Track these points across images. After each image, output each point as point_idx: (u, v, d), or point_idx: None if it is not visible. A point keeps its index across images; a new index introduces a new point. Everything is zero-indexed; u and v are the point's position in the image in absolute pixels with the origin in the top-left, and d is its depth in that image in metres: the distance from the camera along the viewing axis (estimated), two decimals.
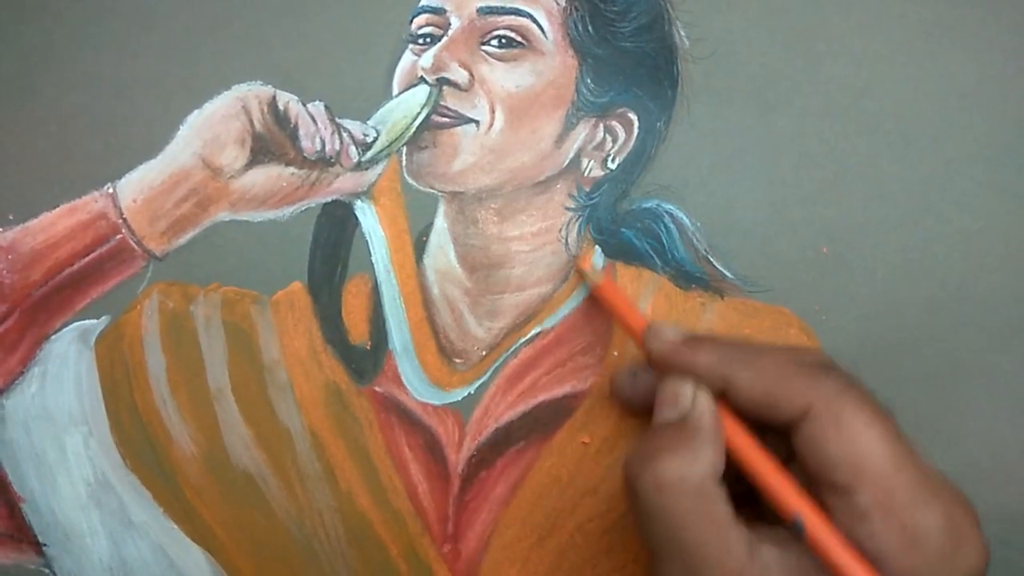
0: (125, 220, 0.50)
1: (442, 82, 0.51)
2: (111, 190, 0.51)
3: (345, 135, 0.51)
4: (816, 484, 0.39)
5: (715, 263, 0.52)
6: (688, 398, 0.42)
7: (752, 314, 0.51)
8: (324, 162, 0.51)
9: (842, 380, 0.40)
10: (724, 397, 0.42)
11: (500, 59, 0.51)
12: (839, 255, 0.51)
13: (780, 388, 0.40)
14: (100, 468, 0.51)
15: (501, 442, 0.51)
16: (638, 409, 0.49)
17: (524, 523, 0.51)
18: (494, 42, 0.51)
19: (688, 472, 0.39)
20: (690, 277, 0.52)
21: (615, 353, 0.51)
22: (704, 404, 0.42)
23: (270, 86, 0.51)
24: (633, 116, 0.52)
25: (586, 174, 0.52)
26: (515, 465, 0.51)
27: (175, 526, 0.51)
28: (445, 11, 0.52)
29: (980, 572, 0.38)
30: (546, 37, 0.51)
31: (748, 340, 0.45)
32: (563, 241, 0.52)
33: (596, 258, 0.53)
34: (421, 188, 0.52)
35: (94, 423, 0.51)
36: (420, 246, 0.52)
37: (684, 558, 0.39)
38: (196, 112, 0.51)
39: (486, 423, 0.51)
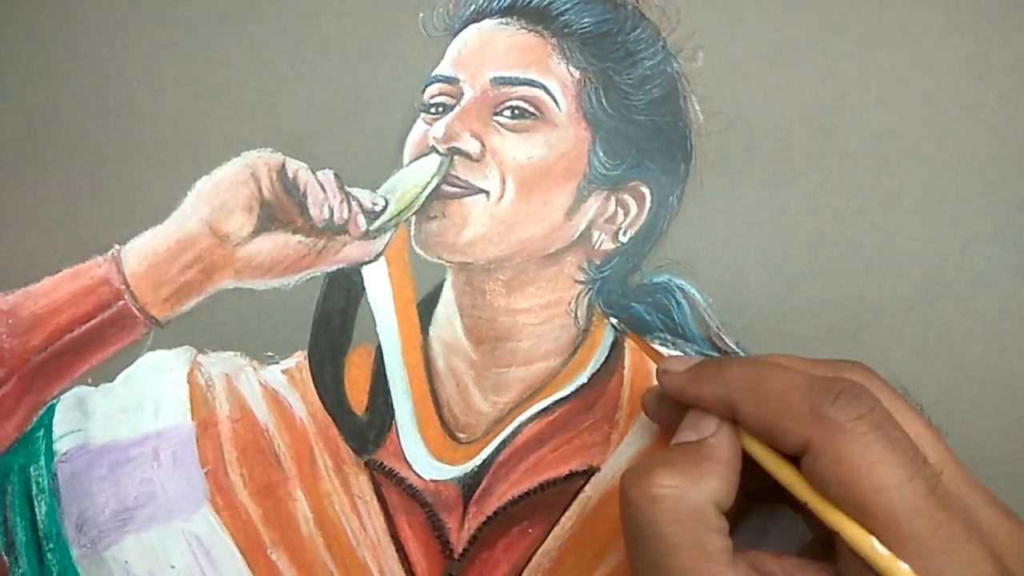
0: (128, 286, 0.49)
1: (453, 152, 0.50)
2: (115, 255, 0.50)
3: (354, 203, 0.50)
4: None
5: (727, 341, 0.51)
6: (711, 427, 0.40)
7: None
8: (332, 230, 0.50)
9: (848, 413, 0.35)
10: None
11: (512, 130, 0.50)
12: (855, 335, 0.50)
13: (780, 421, 0.37)
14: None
15: (503, 521, 0.50)
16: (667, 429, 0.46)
17: None
18: (507, 112, 0.50)
19: (687, 492, 0.36)
20: (701, 355, 0.51)
21: (623, 431, 0.50)
22: (725, 435, 0.39)
23: (279, 153, 0.51)
24: (645, 189, 0.51)
25: (597, 247, 0.51)
26: (517, 546, 0.49)
27: None
28: (458, 80, 0.51)
29: None
30: (559, 108, 0.50)
31: (762, 360, 0.41)
32: (572, 315, 0.51)
33: (607, 332, 0.52)
34: (429, 258, 0.51)
35: None
36: (426, 317, 0.52)
37: None
38: (204, 178, 0.51)
39: (488, 501, 0.50)
